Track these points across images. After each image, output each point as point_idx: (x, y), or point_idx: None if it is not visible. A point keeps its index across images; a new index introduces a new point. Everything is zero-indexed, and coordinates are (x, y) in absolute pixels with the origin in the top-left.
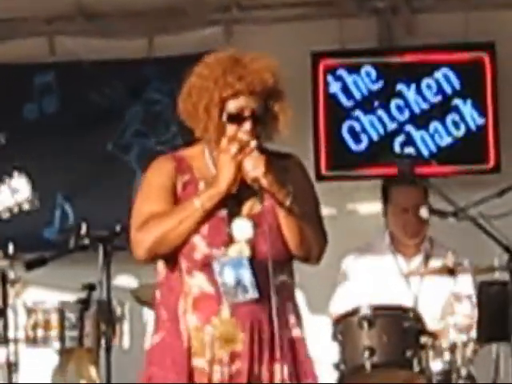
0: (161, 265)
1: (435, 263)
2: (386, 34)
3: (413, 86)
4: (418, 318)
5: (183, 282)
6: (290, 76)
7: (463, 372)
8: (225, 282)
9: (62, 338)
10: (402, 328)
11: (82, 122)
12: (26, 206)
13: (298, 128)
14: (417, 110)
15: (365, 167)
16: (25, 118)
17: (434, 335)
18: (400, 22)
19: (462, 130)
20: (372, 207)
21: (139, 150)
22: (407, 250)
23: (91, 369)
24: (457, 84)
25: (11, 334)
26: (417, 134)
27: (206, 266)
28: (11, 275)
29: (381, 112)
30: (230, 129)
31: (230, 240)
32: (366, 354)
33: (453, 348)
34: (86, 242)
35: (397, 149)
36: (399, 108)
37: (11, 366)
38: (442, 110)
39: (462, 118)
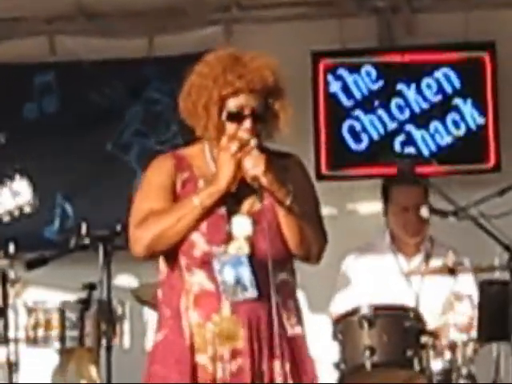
0: (162, 264)
1: (436, 262)
2: (386, 34)
3: (413, 86)
4: (418, 318)
5: (184, 279)
6: (290, 76)
7: (464, 371)
8: (224, 281)
9: (62, 338)
10: (402, 327)
11: (82, 122)
12: (28, 209)
13: (299, 128)
14: (417, 110)
15: (365, 167)
16: (25, 117)
17: (434, 335)
18: (400, 21)
19: (463, 130)
20: (372, 207)
21: (139, 149)
22: (408, 249)
23: (92, 368)
24: (457, 83)
25: (11, 334)
26: (417, 134)
27: (205, 263)
28: (11, 275)
29: (381, 111)
30: (230, 127)
31: (229, 238)
32: (367, 353)
33: (453, 347)
34: (87, 241)
35: (397, 148)
36: (399, 107)
37: (12, 366)
38: (442, 109)
39: (463, 118)
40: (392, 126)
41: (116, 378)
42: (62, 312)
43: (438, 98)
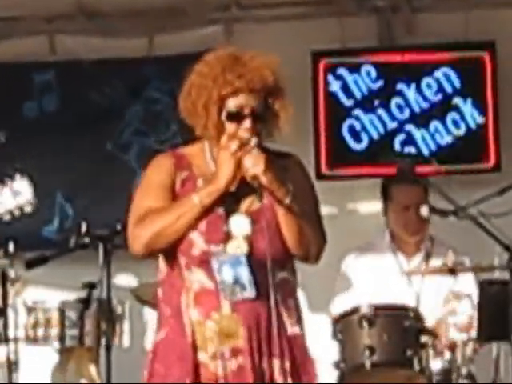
0: (162, 262)
1: (436, 261)
2: (386, 33)
3: (413, 85)
4: (418, 317)
5: (184, 277)
6: (290, 75)
7: (463, 371)
8: (223, 280)
9: (62, 337)
10: (402, 327)
11: (82, 121)
12: (28, 209)
13: (299, 127)
14: (417, 109)
15: (365, 166)
16: (25, 116)
17: (434, 334)
18: (400, 20)
19: (463, 129)
20: (372, 206)
21: (139, 149)
22: (408, 249)
23: (91, 367)
24: (457, 83)
25: (11, 333)
26: (417, 133)
27: (204, 262)
28: (11, 274)
29: (381, 111)
30: (230, 127)
31: (227, 237)
32: (366, 352)
33: (453, 347)
34: (87, 240)
35: (397, 148)
36: (399, 107)
37: (11, 365)
38: (442, 109)
39: (463, 117)
40: (392, 125)
41: (115, 377)
42: (61, 311)
43: (438, 97)
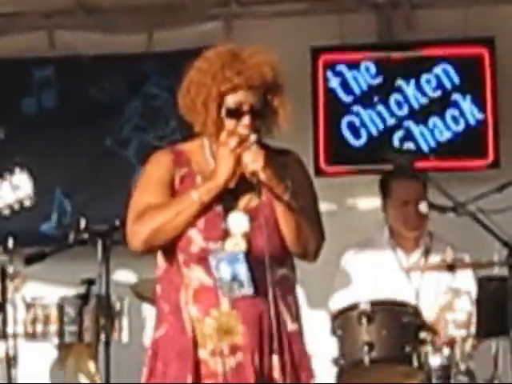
0: (160, 259)
1: (435, 257)
2: (385, 30)
3: (412, 82)
4: (417, 313)
5: (182, 274)
6: (289, 71)
7: (462, 367)
8: (221, 277)
9: (61, 333)
10: (401, 323)
11: (81, 117)
12: (27, 203)
13: (298, 123)
14: (416, 106)
15: (364, 162)
16: (24, 112)
17: (433, 330)
18: (400, 17)
19: (462, 125)
20: (371, 202)
21: (138, 144)
22: (407, 244)
23: (90, 363)
24: (456, 79)
25: (10, 329)
26: (416, 129)
27: (202, 259)
28: (10, 270)
29: (380, 107)
30: (229, 123)
31: (225, 234)
32: (365, 348)
33: (452, 343)
34: (85, 236)
35: (396, 144)
36: (399, 103)
37: (10, 361)
38: (441, 105)
39: (462, 113)
40: (391, 121)
41: (114, 373)
42: (60, 307)
43: (437, 93)
